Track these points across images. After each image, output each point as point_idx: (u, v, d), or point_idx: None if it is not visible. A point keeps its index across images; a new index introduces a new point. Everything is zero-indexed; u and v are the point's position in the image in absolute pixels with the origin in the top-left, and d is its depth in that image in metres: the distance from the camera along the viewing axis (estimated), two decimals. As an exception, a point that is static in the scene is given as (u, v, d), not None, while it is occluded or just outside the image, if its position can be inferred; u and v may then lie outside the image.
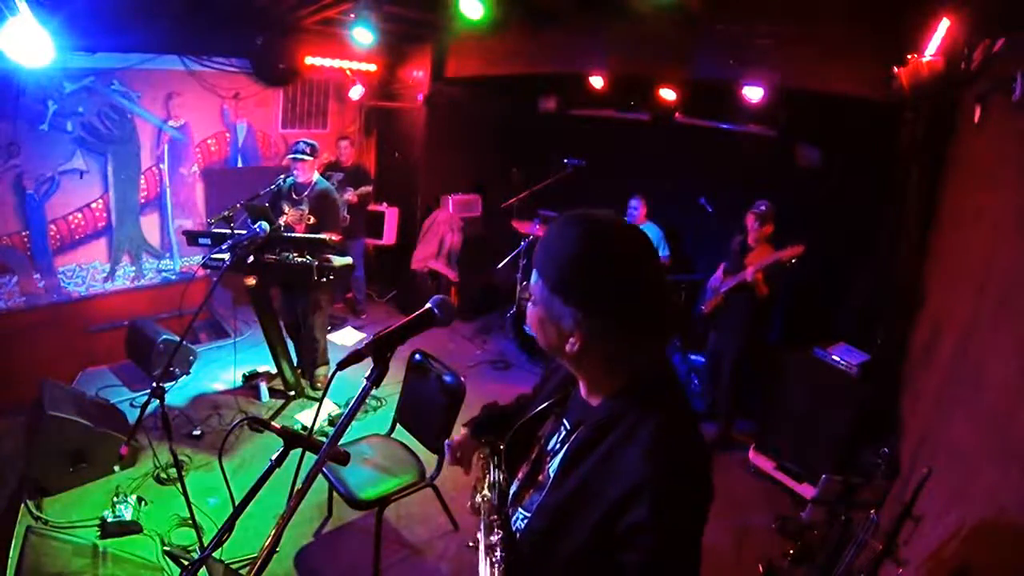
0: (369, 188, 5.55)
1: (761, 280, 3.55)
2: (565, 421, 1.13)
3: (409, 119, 5.99)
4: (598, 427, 1.01)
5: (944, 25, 2.65)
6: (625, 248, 0.95)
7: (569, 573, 1.00)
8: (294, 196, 3.90)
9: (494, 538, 1.13)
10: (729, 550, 3.06)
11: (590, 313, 0.94)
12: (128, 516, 2.79)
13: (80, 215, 4.41)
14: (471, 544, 1.23)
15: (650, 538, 0.89)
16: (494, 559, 1.10)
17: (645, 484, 0.89)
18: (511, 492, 1.20)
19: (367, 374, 1.06)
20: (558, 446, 1.11)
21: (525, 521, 1.10)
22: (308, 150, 3.82)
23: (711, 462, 1.00)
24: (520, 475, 1.20)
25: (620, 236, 0.96)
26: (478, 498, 1.28)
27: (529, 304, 1.05)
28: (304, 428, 3.15)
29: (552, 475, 1.07)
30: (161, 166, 4.82)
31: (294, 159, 3.82)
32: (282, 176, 3.88)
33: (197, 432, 3.61)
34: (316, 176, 3.95)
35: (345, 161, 5.40)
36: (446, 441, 1.41)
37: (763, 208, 3.68)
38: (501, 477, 1.24)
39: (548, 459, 1.11)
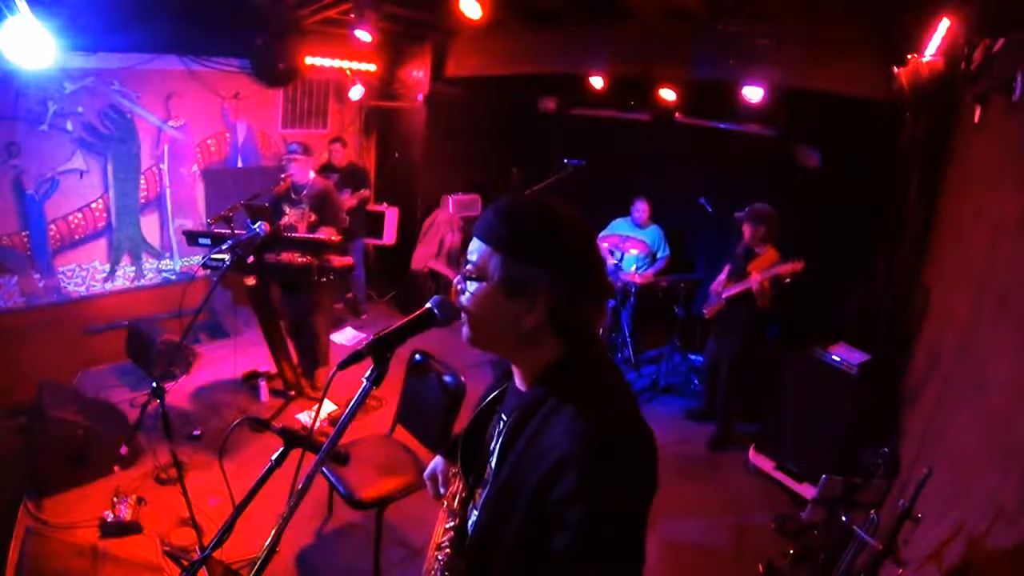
0: (368, 192, 5.56)
1: (768, 289, 3.48)
2: (502, 415, 1.12)
3: (409, 119, 5.98)
4: (523, 410, 1.00)
5: (944, 25, 2.66)
6: (573, 214, 1.00)
7: (510, 563, 0.99)
8: (293, 196, 3.91)
9: (444, 537, 1.15)
10: (729, 550, 3.06)
11: (558, 271, 0.95)
12: (128, 516, 2.79)
13: (80, 215, 4.41)
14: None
15: (577, 515, 0.85)
16: (438, 555, 1.12)
17: (569, 459, 0.87)
18: (466, 495, 1.21)
19: (367, 374, 1.06)
20: (495, 440, 1.10)
21: (475, 518, 1.12)
22: (300, 149, 3.84)
23: (649, 443, 0.95)
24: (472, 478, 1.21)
25: (563, 206, 1.00)
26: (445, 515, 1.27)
27: (469, 283, 1.00)
28: (304, 428, 3.15)
29: (492, 469, 1.07)
30: (161, 166, 4.82)
31: (288, 159, 3.84)
32: (281, 177, 3.88)
33: (197, 432, 3.61)
34: (312, 174, 3.96)
35: (338, 162, 5.40)
36: (424, 475, 1.38)
37: (752, 211, 3.64)
38: (461, 485, 1.24)
39: (490, 455, 1.11)
